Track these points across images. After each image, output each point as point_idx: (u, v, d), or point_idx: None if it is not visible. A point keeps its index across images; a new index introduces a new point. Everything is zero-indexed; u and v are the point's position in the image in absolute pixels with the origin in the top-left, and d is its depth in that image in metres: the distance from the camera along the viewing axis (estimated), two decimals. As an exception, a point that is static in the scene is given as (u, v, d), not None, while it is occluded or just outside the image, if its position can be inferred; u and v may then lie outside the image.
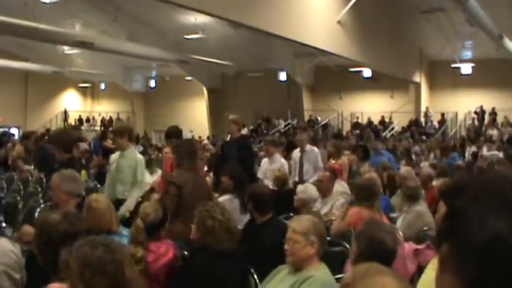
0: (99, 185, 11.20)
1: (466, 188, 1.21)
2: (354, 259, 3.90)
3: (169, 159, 7.75)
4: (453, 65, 29.51)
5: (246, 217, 6.89)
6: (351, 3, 19.36)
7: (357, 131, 28.55)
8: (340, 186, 9.46)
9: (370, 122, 31.12)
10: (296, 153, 11.26)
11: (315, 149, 11.45)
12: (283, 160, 10.99)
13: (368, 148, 14.16)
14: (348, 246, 6.00)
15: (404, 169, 10.65)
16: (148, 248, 4.60)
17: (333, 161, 11.57)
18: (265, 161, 10.92)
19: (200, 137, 30.66)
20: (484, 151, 21.37)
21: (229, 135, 10.32)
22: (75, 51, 32.12)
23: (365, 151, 13.55)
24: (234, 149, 9.38)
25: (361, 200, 6.47)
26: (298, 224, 4.23)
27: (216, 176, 9.35)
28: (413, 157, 18.09)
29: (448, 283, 1.17)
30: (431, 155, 17.87)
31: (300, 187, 7.45)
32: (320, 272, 4.07)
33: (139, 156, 8.00)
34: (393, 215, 7.95)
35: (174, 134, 8.50)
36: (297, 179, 10.65)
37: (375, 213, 6.29)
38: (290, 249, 4.13)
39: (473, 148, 21.77)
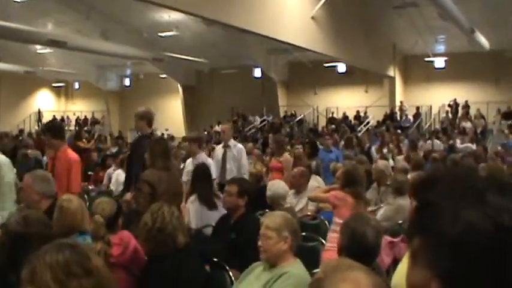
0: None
1: (438, 181, 1.21)
2: (338, 251, 3.92)
3: (52, 160, 7.34)
4: (426, 59, 29.67)
5: (215, 213, 6.91)
6: (324, -2, 19.40)
7: (333, 126, 28.65)
8: (316, 182, 9.48)
9: (345, 117, 31.21)
10: (218, 149, 10.38)
11: (239, 144, 10.48)
12: (210, 160, 9.65)
13: (317, 144, 14.03)
14: (323, 241, 6.01)
15: (381, 163, 10.65)
16: (112, 242, 4.58)
17: (273, 159, 11.21)
18: (189, 161, 9.66)
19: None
20: (458, 143, 21.61)
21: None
22: (47, 50, 31.82)
23: (312, 147, 13.20)
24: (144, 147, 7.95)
25: (346, 186, 6.40)
26: (270, 220, 4.24)
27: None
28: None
29: (420, 276, 1.16)
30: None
31: (268, 184, 7.44)
32: (295, 267, 4.07)
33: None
34: (370, 208, 7.96)
35: (53, 130, 7.63)
36: (217, 180, 9.45)
37: (360, 202, 6.26)
38: (263, 245, 4.13)
39: (451, 141, 21.93)
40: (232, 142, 10.21)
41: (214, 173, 8.99)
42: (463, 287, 1.10)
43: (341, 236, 3.93)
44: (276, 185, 7.20)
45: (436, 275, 1.12)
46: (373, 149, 15.88)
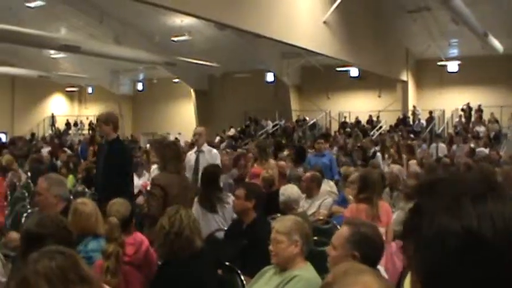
0: (87, 189, 11.16)
1: (430, 186, 1.24)
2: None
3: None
4: (439, 63, 29.62)
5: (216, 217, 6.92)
6: (337, 3, 19.37)
7: (348, 130, 28.62)
8: (328, 186, 9.47)
9: (358, 121, 31.18)
10: (191, 154, 9.51)
11: (214, 150, 9.68)
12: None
13: (304, 150, 13.65)
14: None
15: (395, 168, 10.61)
16: (126, 242, 4.59)
17: (256, 165, 10.67)
18: (154, 167, 9.11)
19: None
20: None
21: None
22: (61, 55, 32.01)
23: (299, 153, 12.69)
24: (121, 154, 7.49)
25: (361, 191, 6.42)
26: (280, 224, 4.25)
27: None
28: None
29: (413, 280, 1.19)
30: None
31: (281, 189, 7.41)
32: (305, 271, 4.08)
33: None
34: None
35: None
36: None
37: (373, 208, 6.25)
38: (274, 249, 4.15)
39: (470, 144, 21.75)
40: (206, 147, 9.36)
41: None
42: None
43: (357, 246, 3.87)
44: (289, 190, 7.17)
45: (418, 278, 1.16)
46: (378, 154, 15.64)
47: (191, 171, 9.05)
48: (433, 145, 21.64)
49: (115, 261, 4.38)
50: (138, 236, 4.80)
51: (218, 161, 9.19)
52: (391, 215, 6.55)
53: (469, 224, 1.11)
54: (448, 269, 1.11)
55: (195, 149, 9.53)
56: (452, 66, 29.88)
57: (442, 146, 21.37)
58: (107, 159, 7.23)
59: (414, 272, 1.18)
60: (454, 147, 21.90)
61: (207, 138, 9.82)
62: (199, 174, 8.38)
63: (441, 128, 29.26)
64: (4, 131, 36.20)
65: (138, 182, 9.48)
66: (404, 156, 15.67)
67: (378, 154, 15.62)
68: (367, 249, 3.62)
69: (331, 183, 10.16)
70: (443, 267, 1.11)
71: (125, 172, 7.20)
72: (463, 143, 22.47)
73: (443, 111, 30.20)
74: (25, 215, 7.95)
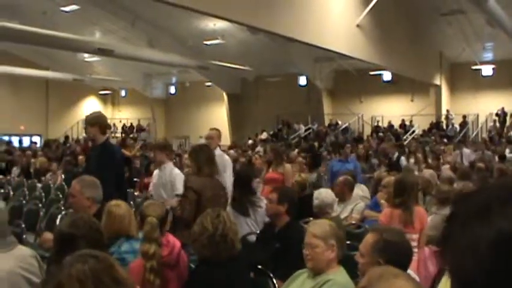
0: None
1: (461, 195, 1.25)
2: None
3: None
4: (474, 67, 29.36)
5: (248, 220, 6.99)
6: (370, 6, 19.33)
7: (381, 134, 28.49)
8: (360, 190, 9.44)
9: (390, 126, 31.02)
10: (156, 172, 8.34)
11: (176, 170, 7.79)
12: (176, 171, 7.76)
13: (319, 155, 13.35)
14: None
15: (427, 172, 10.54)
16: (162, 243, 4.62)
17: (271, 170, 10.34)
18: (156, 173, 8.21)
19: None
20: (507, 153, 21.24)
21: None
22: (95, 58, 32.35)
23: (314, 158, 12.53)
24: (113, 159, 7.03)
25: (395, 197, 6.36)
26: (316, 228, 4.23)
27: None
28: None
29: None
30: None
31: (315, 193, 7.37)
32: (339, 275, 4.07)
33: None
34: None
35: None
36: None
37: (407, 213, 6.19)
38: (310, 253, 4.13)
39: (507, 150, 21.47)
40: (168, 166, 7.79)
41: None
42: None
43: (383, 254, 3.81)
44: (323, 194, 7.13)
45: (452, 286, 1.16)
46: (403, 159, 15.38)
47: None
48: (458, 151, 21.15)
49: (157, 262, 4.42)
50: (171, 237, 4.83)
51: (177, 184, 7.33)
52: (426, 220, 6.48)
53: (500, 228, 1.11)
54: (483, 276, 1.10)
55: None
56: (487, 70, 29.61)
57: (467, 151, 20.93)
58: (97, 163, 6.84)
59: (452, 281, 1.18)
60: (489, 152, 21.63)
61: (232, 141, 9.54)
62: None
63: (475, 133, 29.01)
64: (39, 133, 36.68)
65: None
66: (430, 161, 15.50)
67: (402, 158, 15.36)
68: (392, 256, 3.58)
69: (364, 187, 10.12)
70: (478, 276, 1.11)
71: (116, 176, 6.78)
72: (495, 148, 22.17)
73: (477, 116, 29.93)
74: (59, 216, 8.05)
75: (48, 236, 5.51)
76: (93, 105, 42.69)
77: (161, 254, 4.49)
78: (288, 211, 5.99)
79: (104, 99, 43.58)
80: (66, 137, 33.48)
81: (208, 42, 27.89)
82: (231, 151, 20.85)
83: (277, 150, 11.08)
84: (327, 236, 4.12)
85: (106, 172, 6.41)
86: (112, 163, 6.87)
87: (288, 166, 10.50)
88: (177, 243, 4.78)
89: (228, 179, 8.26)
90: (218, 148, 9.01)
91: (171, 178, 7.52)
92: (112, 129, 40.07)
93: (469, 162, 17.08)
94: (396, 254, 3.63)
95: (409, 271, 3.88)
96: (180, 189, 6.93)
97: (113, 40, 26.75)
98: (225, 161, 8.75)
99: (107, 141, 7.13)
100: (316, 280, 4.07)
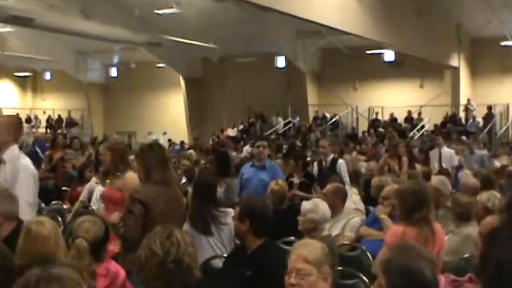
0: (43, 204, 11.05)
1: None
2: None
3: None
4: (503, 43, 29.35)
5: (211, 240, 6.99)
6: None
7: (380, 130, 28.58)
8: (353, 203, 9.42)
9: (393, 119, 31.11)
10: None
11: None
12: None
13: (306, 156, 13.21)
14: (364, 278, 5.96)
15: (437, 179, 10.38)
16: (96, 273, 4.54)
17: None
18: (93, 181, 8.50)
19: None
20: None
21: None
22: (8, 29, 31.75)
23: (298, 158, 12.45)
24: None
25: (406, 214, 6.13)
26: (309, 251, 4.15)
27: None
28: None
29: None
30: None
31: (307, 204, 7.25)
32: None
33: None
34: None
35: None
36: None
37: (426, 232, 6.02)
38: (300, 283, 4.07)
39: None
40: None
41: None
42: None
43: (385, 278, 3.74)
44: (321, 206, 6.90)
45: None
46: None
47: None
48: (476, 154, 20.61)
49: None
50: (113, 265, 4.77)
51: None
52: (445, 241, 6.40)
53: None
54: None
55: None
56: (521, 47, 29.62)
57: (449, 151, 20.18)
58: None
59: None
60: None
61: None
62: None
63: (504, 128, 29.06)
64: None
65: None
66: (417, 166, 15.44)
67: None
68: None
69: (356, 197, 10.13)
70: None
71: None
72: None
73: (507, 107, 30.05)
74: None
75: None
76: (7, 91, 42.26)
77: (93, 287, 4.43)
78: (255, 229, 5.89)
79: (21, 83, 43.26)
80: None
81: (160, 12, 27.76)
82: (191, 151, 20.80)
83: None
84: (320, 261, 4.07)
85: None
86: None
87: None
88: (121, 273, 4.72)
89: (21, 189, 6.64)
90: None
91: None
92: (33, 122, 39.71)
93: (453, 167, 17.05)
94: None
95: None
96: None
97: (33, 6, 26.43)
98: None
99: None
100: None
